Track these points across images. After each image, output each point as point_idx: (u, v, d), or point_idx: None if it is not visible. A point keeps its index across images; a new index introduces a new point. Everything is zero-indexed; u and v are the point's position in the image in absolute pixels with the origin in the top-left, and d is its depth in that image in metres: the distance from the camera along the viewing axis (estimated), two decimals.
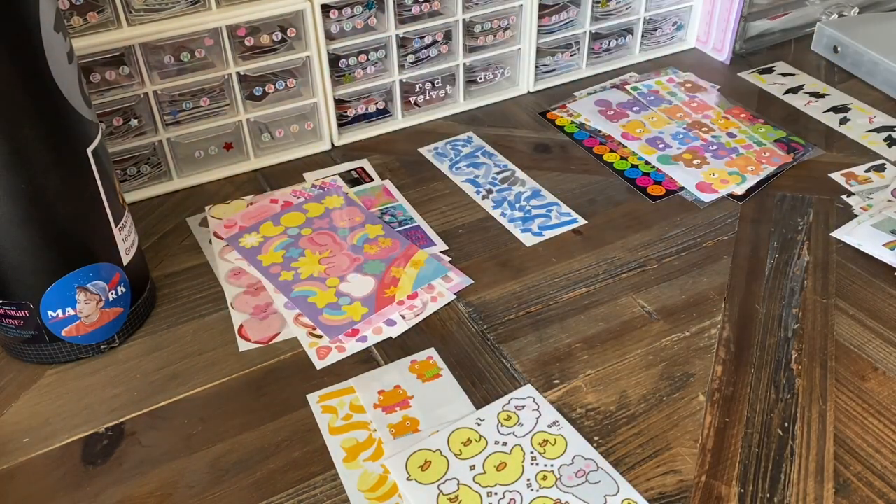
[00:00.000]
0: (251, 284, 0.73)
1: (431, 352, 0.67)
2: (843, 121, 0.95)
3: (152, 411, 0.62)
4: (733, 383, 0.63)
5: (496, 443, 0.59)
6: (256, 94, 0.86)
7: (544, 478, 0.56)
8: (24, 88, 0.54)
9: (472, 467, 0.57)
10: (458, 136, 0.94)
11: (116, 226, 0.65)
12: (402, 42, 0.91)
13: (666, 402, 0.62)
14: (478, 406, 0.62)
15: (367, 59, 0.90)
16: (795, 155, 0.89)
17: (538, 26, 0.97)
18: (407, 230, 0.79)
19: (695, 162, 0.87)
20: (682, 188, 0.85)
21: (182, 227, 0.81)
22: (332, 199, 0.83)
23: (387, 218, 0.81)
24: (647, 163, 0.88)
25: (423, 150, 0.92)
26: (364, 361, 0.66)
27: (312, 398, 0.63)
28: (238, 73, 0.83)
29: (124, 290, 0.66)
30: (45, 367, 0.66)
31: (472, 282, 0.73)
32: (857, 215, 0.80)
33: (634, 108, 0.97)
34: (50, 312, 0.63)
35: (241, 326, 0.69)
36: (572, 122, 0.96)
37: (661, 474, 0.57)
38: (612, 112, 0.96)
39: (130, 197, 0.83)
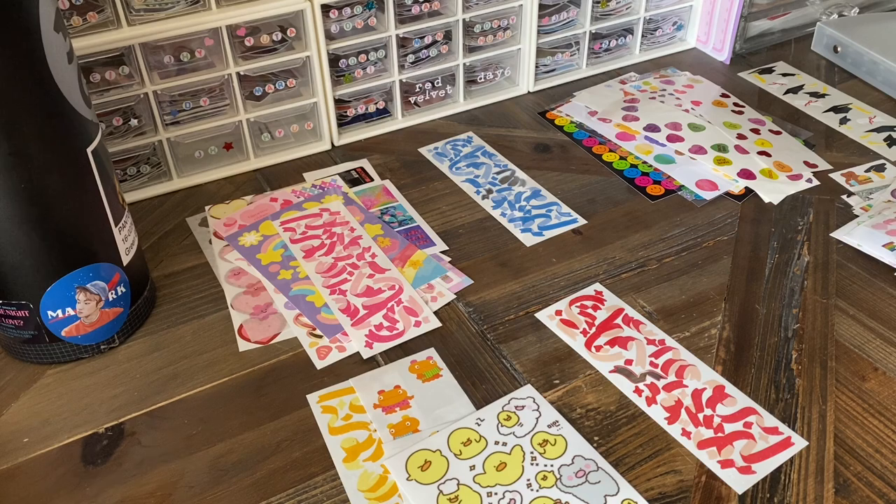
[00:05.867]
0: (251, 284, 0.73)
1: (431, 352, 0.67)
2: (843, 121, 0.95)
3: (152, 411, 0.62)
4: (733, 383, 0.63)
5: (496, 443, 0.59)
6: (256, 93, 0.86)
7: (544, 478, 0.56)
8: (24, 88, 0.54)
9: (472, 467, 0.57)
10: (458, 136, 0.94)
11: (116, 226, 0.65)
12: (402, 42, 0.91)
13: None
14: (478, 406, 0.62)
15: (367, 59, 0.90)
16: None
17: (538, 26, 0.97)
18: (407, 230, 0.79)
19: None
20: (682, 187, 0.85)
21: (182, 227, 0.81)
22: (332, 199, 0.83)
23: (387, 218, 0.81)
24: (644, 162, 0.89)
25: (423, 150, 0.92)
26: (364, 361, 0.66)
27: (312, 398, 0.63)
28: (238, 73, 0.83)
29: (124, 289, 0.67)
30: (45, 367, 0.66)
31: (472, 282, 0.73)
32: (857, 215, 0.80)
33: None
34: (50, 312, 0.63)
35: (240, 326, 0.69)
36: (572, 122, 0.96)
37: (661, 474, 0.57)
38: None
39: (130, 197, 0.84)
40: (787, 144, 0.91)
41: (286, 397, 0.63)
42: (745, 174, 0.85)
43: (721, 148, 0.89)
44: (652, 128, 0.92)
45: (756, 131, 0.93)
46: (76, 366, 0.66)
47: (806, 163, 0.88)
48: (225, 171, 0.88)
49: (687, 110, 0.95)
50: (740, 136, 0.91)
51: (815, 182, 0.85)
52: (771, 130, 0.93)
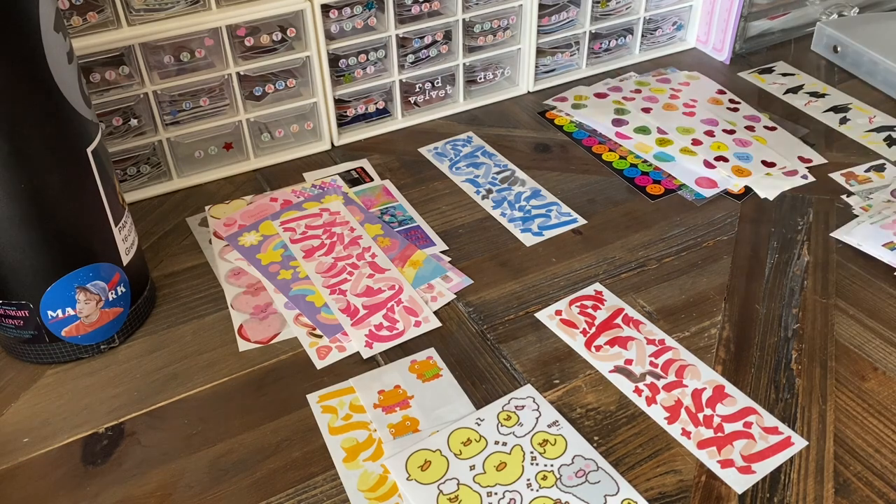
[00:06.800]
0: (251, 284, 0.73)
1: (431, 352, 0.67)
2: (843, 121, 0.95)
3: (152, 411, 0.62)
4: (733, 383, 0.63)
5: (496, 443, 0.59)
6: (256, 93, 0.86)
7: (544, 478, 0.56)
8: (24, 88, 0.54)
9: (472, 467, 0.57)
10: (458, 136, 0.94)
11: (116, 226, 0.65)
12: (402, 42, 0.91)
13: None
14: (478, 406, 0.62)
15: (367, 59, 0.90)
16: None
17: (538, 26, 0.97)
18: (407, 230, 0.79)
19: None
20: (682, 186, 0.85)
21: (182, 227, 0.81)
22: (332, 199, 0.83)
23: (387, 218, 0.81)
24: (644, 161, 0.89)
25: (423, 150, 0.92)
26: (364, 361, 0.66)
27: (312, 398, 0.63)
28: (238, 73, 0.83)
29: (124, 289, 0.67)
30: (45, 367, 0.66)
31: (472, 282, 0.74)
32: (856, 215, 0.80)
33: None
34: (50, 312, 0.63)
35: (240, 326, 0.69)
36: (571, 122, 0.96)
37: (661, 474, 0.57)
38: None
39: (130, 197, 0.84)
40: (782, 140, 0.91)
41: (286, 397, 0.63)
42: (707, 164, 0.86)
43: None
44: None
45: (751, 128, 0.93)
46: (76, 366, 0.66)
47: (801, 158, 0.88)
48: (225, 171, 0.88)
49: (688, 113, 0.95)
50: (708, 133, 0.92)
51: (811, 178, 0.85)
52: (766, 127, 0.93)
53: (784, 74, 1.05)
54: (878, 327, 0.68)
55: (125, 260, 0.66)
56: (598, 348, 0.66)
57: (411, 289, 0.72)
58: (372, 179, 0.87)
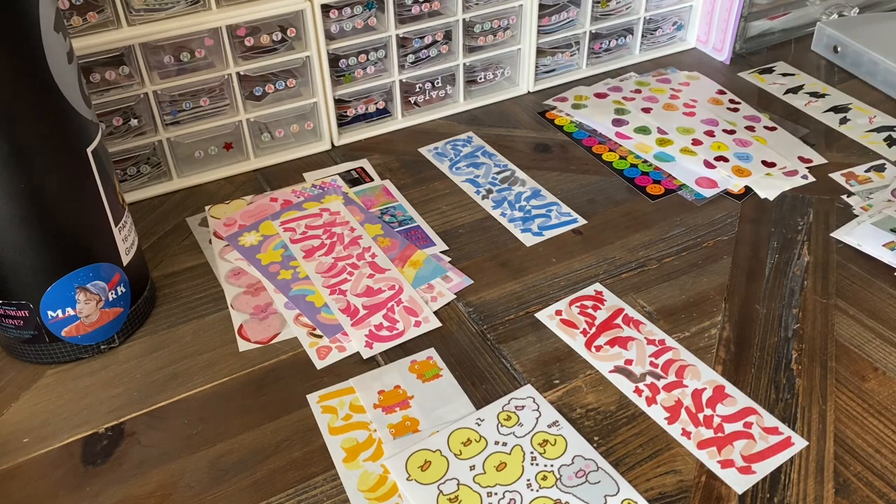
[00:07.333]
0: (251, 284, 0.73)
1: (431, 352, 0.67)
2: (843, 121, 0.95)
3: (152, 411, 0.62)
4: (733, 383, 0.63)
5: (496, 443, 0.59)
6: (256, 93, 0.86)
7: (544, 478, 0.56)
8: (24, 88, 0.54)
9: (472, 467, 0.57)
10: (458, 136, 0.94)
11: (116, 226, 0.65)
12: (402, 42, 0.91)
13: None
14: (478, 406, 0.62)
15: (367, 59, 0.90)
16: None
17: (538, 26, 0.97)
18: (407, 230, 0.79)
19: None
20: (682, 186, 0.85)
21: (182, 227, 0.81)
22: (332, 199, 0.83)
23: (387, 218, 0.81)
24: (645, 161, 0.89)
25: (423, 150, 0.92)
26: (364, 361, 0.66)
27: (312, 398, 0.63)
28: (238, 73, 0.83)
29: (124, 289, 0.67)
30: (45, 367, 0.66)
31: (472, 282, 0.73)
32: (857, 215, 0.80)
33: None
34: (50, 312, 0.63)
35: (240, 326, 0.69)
36: (571, 122, 0.96)
37: (661, 474, 0.57)
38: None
39: (130, 197, 0.84)
40: (782, 140, 0.91)
41: (286, 397, 0.63)
42: (707, 164, 0.86)
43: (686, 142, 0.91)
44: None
45: (751, 128, 0.93)
46: (76, 366, 0.66)
47: (801, 158, 0.88)
48: (225, 171, 0.88)
49: (687, 113, 0.96)
50: (708, 134, 0.92)
51: (811, 178, 0.85)
52: (766, 127, 0.93)
53: (784, 74, 1.05)
54: (878, 327, 0.68)
55: (125, 260, 0.66)
56: (598, 348, 0.66)
57: (411, 289, 0.72)
58: (372, 179, 0.87)
